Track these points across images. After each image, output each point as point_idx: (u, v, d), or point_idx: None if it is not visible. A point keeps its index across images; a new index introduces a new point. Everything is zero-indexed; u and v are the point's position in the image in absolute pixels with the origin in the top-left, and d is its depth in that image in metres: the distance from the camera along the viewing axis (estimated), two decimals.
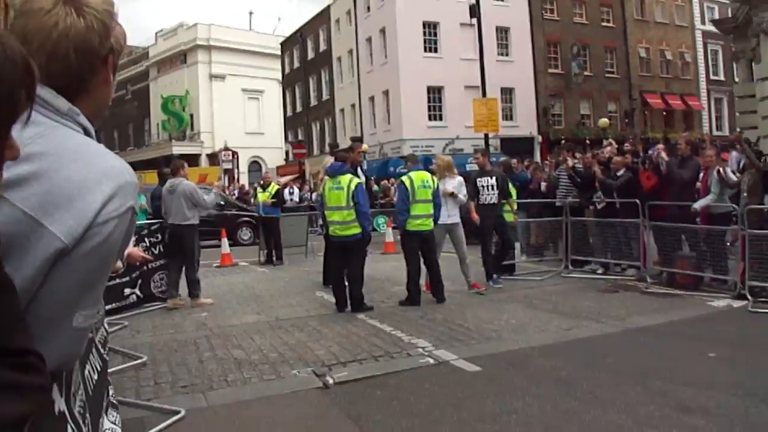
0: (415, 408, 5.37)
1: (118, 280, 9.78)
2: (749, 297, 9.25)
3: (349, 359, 6.90)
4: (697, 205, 10.57)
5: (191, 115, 62.96)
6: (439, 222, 10.20)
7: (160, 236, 10.78)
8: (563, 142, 23.26)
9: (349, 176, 9.67)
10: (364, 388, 5.96)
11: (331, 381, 6.13)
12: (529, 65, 41.89)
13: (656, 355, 6.94)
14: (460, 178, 11.06)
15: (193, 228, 10.49)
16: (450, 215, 10.55)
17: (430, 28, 39.55)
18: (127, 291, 10.16)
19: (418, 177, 10.03)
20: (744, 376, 5.93)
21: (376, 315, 9.19)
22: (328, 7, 49.55)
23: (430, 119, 39.48)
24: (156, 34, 68.81)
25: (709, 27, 40.29)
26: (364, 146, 37.51)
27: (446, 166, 11.06)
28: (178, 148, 58.68)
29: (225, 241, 16.48)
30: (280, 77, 60.25)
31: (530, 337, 7.75)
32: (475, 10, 22.65)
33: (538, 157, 37.07)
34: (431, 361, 6.80)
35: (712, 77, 50.74)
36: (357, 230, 9.51)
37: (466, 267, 10.81)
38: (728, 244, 10.28)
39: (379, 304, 9.96)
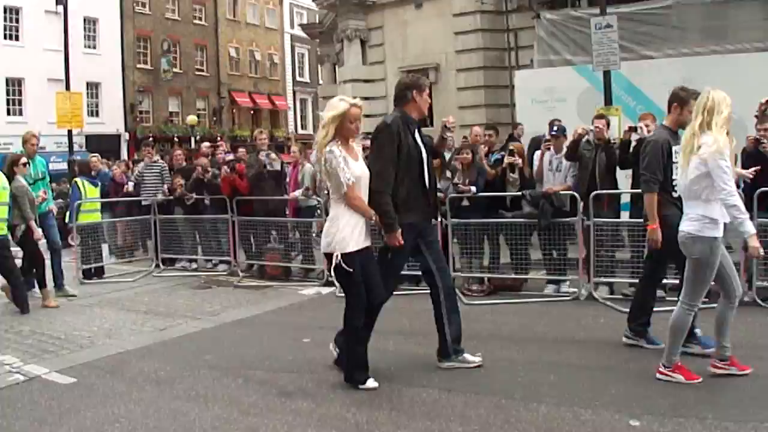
0: (10, 431, 4.89)
1: None
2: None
3: None
4: (296, 194, 11.03)
5: None
6: None
7: None
8: (151, 139, 22.68)
9: None
10: None
11: None
12: (118, 59, 40.25)
13: (254, 345, 7.11)
14: None
15: None
16: None
17: (12, 14, 35.83)
18: None
19: None
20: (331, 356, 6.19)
21: None
22: None
23: (8, 114, 35.64)
24: None
25: (298, 31, 42.50)
26: None
27: None
28: None
29: None
30: None
31: (125, 341, 7.45)
32: None
33: (125, 155, 35.95)
34: (21, 378, 6.20)
35: (298, 78, 54.16)
36: None
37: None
38: (314, 235, 10.84)
39: None
